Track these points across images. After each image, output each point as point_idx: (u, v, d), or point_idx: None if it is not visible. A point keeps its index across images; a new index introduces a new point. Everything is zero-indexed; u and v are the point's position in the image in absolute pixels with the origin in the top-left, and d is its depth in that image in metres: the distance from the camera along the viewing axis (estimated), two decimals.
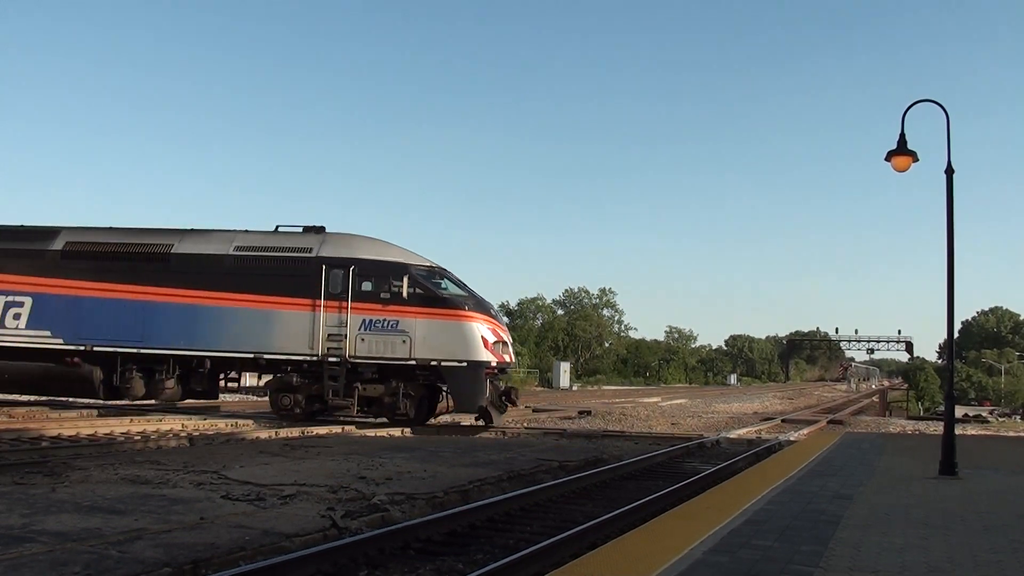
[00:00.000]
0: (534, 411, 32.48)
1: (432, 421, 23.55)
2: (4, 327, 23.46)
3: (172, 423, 20.99)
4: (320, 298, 21.93)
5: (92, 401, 26.49)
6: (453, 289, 22.66)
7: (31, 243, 24.25)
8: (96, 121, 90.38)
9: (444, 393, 22.92)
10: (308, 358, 21.97)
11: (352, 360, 21.77)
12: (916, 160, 13.29)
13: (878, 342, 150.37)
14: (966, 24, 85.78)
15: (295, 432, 19.93)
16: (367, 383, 22.14)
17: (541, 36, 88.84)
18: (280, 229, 23.70)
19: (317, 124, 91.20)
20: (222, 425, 21.46)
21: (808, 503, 9.51)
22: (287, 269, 22.61)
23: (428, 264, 22.83)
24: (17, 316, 23.42)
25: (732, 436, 23.83)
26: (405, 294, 21.78)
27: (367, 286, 22.07)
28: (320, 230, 23.39)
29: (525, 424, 26.05)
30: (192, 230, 23.99)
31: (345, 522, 9.43)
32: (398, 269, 22.14)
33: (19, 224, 25.42)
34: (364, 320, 21.81)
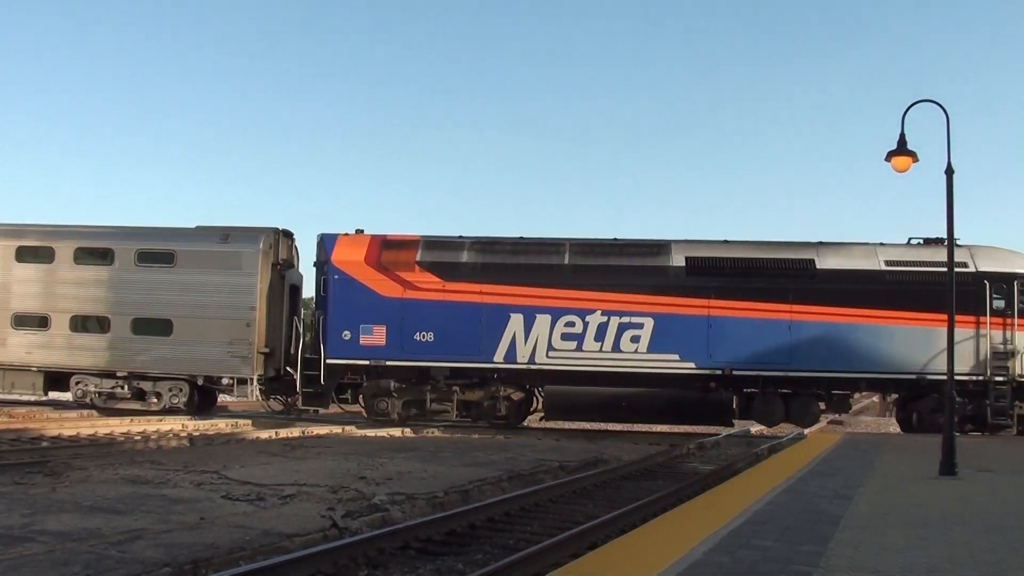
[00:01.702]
0: None
1: None
2: (619, 351, 21.68)
3: (172, 423, 21.00)
4: (985, 315, 21.22)
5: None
6: None
7: (644, 259, 22.32)
8: (86, 121, 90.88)
9: None
10: (973, 378, 21.23)
11: (1019, 379, 21.20)
12: (916, 160, 13.28)
13: None
14: (967, 24, 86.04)
15: (295, 432, 19.94)
16: None
17: (537, 35, 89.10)
18: (912, 241, 22.57)
19: (310, 123, 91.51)
20: (222, 425, 21.47)
21: (808, 503, 9.51)
22: (944, 284, 21.95)
23: None
24: (636, 339, 21.66)
25: (732, 436, 23.80)
26: None
27: None
28: (939, 242, 22.11)
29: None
30: (824, 243, 22.55)
31: (345, 522, 9.43)
32: None
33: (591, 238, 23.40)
34: None
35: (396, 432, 21.42)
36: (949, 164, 12.98)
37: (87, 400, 23.52)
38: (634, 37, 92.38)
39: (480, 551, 8.89)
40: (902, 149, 13.16)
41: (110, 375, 23.42)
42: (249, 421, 22.72)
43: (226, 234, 23.36)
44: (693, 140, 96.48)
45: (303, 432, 20.10)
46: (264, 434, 19.39)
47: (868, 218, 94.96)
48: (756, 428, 26.05)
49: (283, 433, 19.70)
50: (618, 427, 25.48)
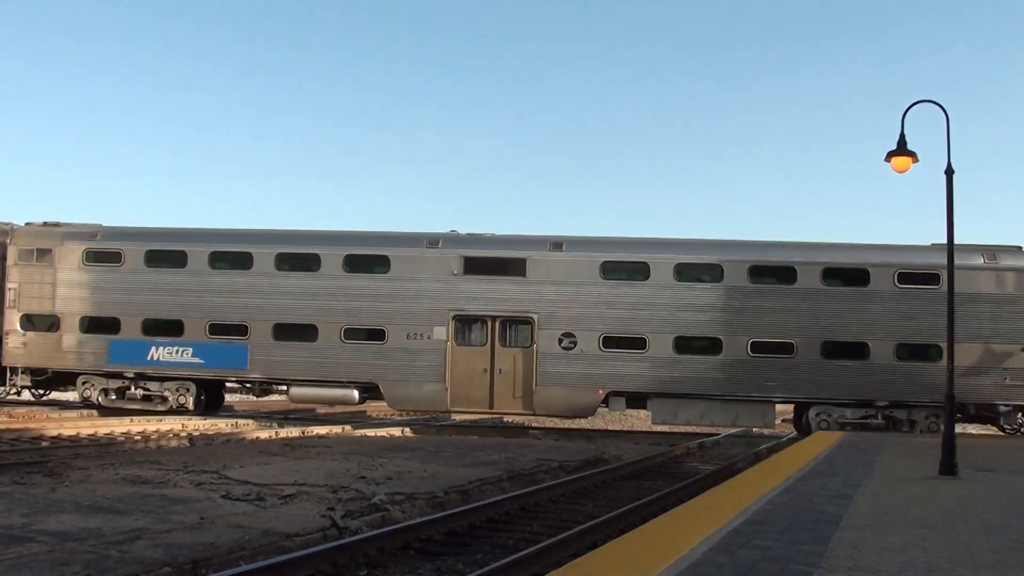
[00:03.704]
0: None
1: None
2: None
3: (172, 423, 20.99)
4: None
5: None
6: None
7: None
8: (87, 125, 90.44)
9: None
10: None
11: None
12: (916, 160, 13.27)
13: None
14: (968, 23, 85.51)
15: (295, 432, 19.93)
16: None
17: (535, 38, 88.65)
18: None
19: (304, 127, 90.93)
20: (222, 425, 21.45)
21: (808, 503, 9.51)
22: None
23: None
24: None
25: (732, 436, 23.82)
26: None
27: None
28: None
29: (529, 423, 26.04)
30: None
31: (345, 522, 9.44)
32: None
33: None
34: None
35: (396, 432, 21.40)
36: (949, 164, 12.98)
37: (826, 428, 21.26)
38: (630, 35, 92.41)
39: (480, 551, 8.90)
40: (902, 149, 13.15)
41: (865, 403, 21.55)
42: (250, 421, 22.67)
43: (992, 253, 21.66)
44: (687, 138, 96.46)
45: (303, 432, 20.09)
46: (264, 434, 19.38)
47: (867, 218, 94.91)
48: (757, 428, 26.08)
49: (283, 433, 19.69)
50: (618, 427, 25.52)
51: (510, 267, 22.02)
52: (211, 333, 22.67)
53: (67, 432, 18.50)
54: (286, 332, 22.44)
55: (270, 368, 22.53)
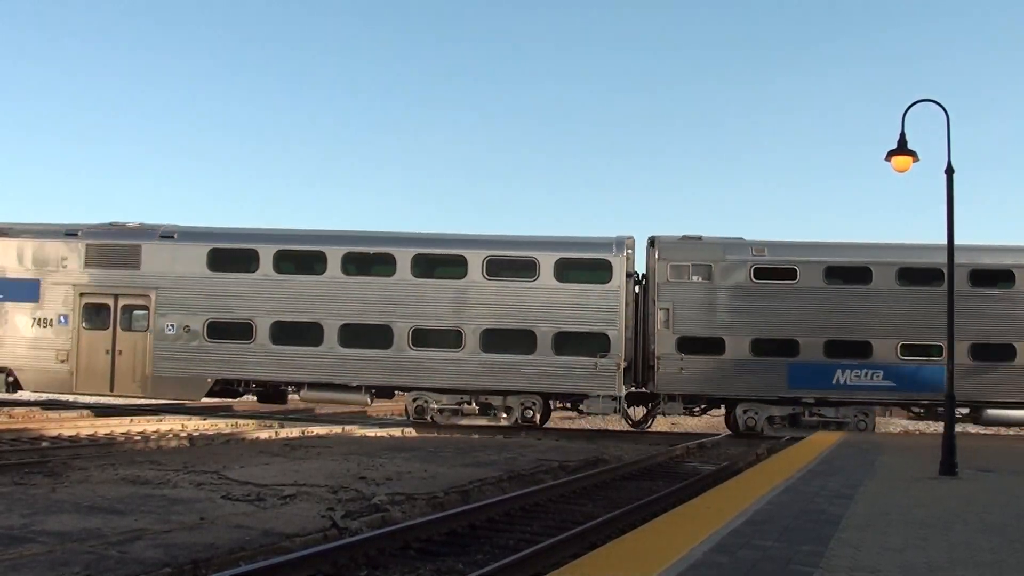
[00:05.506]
0: None
1: None
2: None
3: (172, 423, 20.98)
4: None
5: (91, 400, 26.57)
6: None
7: None
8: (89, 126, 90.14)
9: None
10: None
11: None
12: (917, 160, 13.28)
13: None
14: (968, 23, 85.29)
15: (295, 432, 19.93)
16: None
17: (537, 39, 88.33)
18: None
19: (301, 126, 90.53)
20: (222, 425, 21.44)
21: (808, 503, 9.50)
22: None
23: None
24: None
25: (732, 436, 23.79)
26: None
27: None
28: None
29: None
30: None
31: (345, 522, 9.44)
32: None
33: None
34: None
35: (396, 432, 21.40)
36: (949, 164, 12.98)
37: None
38: (630, 37, 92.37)
39: (480, 551, 8.90)
40: (902, 148, 13.15)
41: None
42: (250, 421, 22.66)
43: None
44: (684, 136, 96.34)
45: (303, 432, 20.09)
46: (264, 434, 19.37)
47: (867, 218, 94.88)
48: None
49: (283, 433, 19.69)
50: (618, 427, 25.50)
51: None
52: (902, 354, 21.74)
53: (67, 432, 18.50)
54: (986, 352, 21.62)
55: (970, 390, 21.28)
